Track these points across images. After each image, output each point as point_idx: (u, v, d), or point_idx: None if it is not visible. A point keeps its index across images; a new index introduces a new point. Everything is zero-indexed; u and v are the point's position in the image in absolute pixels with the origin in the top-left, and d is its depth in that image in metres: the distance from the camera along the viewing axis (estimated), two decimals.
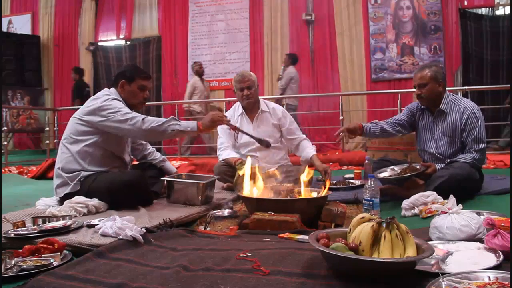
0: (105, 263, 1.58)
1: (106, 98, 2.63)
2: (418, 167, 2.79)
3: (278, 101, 6.45)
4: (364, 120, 7.55)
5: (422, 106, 2.98)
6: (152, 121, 2.54)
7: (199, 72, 7.47)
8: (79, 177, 2.60)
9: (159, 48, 8.86)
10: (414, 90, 2.92)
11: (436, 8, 7.33)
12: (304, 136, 3.46)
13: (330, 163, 5.15)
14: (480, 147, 2.74)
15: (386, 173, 2.88)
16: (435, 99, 2.85)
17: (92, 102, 2.66)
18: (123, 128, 2.56)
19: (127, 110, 2.60)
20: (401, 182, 2.83)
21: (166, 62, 8.77)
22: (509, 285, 1.18)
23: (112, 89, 2.78)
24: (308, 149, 3.35)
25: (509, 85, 6.13)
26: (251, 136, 2.91)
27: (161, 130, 2.54)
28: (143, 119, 2.53)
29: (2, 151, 6.21)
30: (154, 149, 3.20)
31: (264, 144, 2.91)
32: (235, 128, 2.80)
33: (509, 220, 1.72)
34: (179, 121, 2.58)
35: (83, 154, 2.63)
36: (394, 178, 2.81)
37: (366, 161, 3.64)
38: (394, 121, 3.02)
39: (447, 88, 2.95)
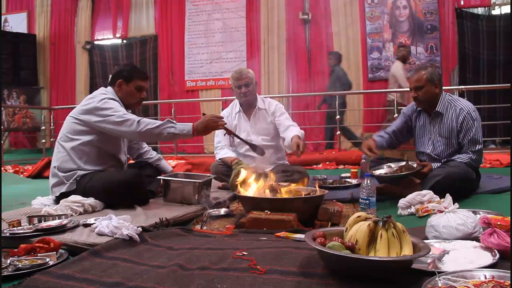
0: (101, 262, 1.58)
1: (102, 98, 2.61)
2: (414, 165, 2.79)
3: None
4: (360, 120, 7.57)
5: (419, 108, 2.97)
6: (148, 123, 2.51)
7: (405, 58, 6.55)
8: (75, 176, 2.59)
9: (155, 47, 8.83)
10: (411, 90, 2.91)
11: (432, 7, 7.35)
12: (293, 123, 3.26)
13: (327, 162, 5.15)
14: (476, 148, 2.74)
15: (382, 170, 2.87)
16: (432, 101, 2.84)
17: (88, 101, 2.65)
18: (119, 130, 2.55)
19: (123, 111, 2.58)
20: (397, 181, 2.83)
21: (162, 61, 8.75)
22: (505, 283, 1.18)
23: (109, 88, 2.77)
24: (291, 132, 3.05)
25: (507, 85, 6.14)
26: (246, 142, 2.90)
27: (156, 133, 2.52)
28: (138, 121, 2.51)
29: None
30: (150, 147, 3.21)
31: (259, 152, 2.88)
32: (230, 133, 2.77)
33: (505, 219, 1.72)
34: (174, 124, 2.54)
35: (79, 153, 2.62)
36: (390, 177, 2.81)
37: (363, 160, 3.65)
38: (392, 130, 3.06)
39: (443, 88, 2.95)
